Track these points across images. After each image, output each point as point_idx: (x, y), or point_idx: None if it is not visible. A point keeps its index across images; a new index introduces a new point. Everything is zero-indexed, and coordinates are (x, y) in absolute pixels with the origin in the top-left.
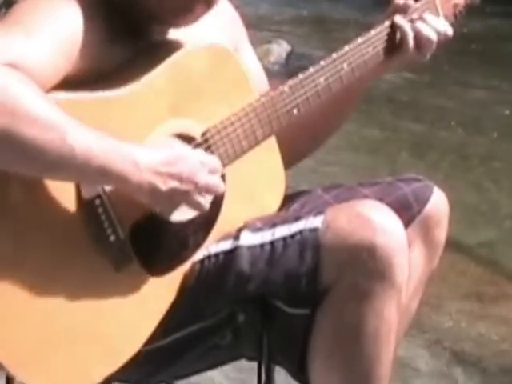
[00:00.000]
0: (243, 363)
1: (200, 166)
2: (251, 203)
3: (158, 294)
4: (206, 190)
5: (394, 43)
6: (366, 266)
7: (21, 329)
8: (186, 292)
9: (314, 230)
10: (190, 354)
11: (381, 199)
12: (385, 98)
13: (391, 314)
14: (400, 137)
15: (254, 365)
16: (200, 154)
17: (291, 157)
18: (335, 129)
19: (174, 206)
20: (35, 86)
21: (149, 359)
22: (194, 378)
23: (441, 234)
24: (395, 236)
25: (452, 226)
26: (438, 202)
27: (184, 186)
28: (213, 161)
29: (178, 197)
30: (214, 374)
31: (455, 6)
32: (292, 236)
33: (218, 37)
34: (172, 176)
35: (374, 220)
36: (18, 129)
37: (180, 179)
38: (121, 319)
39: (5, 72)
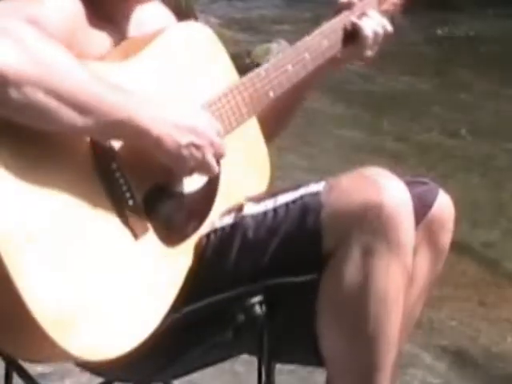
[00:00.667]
0: (243, 364)
1: (210, 125)
2: (244, 180)
3: (174, 264)
4: (217, 148)
5: (346, 38)
6: (371, 226)
7: (54, 289)
8: (194, 266)
9: (316, 194)
10: (191, 353)
11: None
12: (391, 102)
13: (397, 275)
14: (406, 140)
15: (254, 365)
16: (208, 115)
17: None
18: (294, 113)
19: (189, 163)
20: (56, 42)
21: (153, 353)
22: (194, 379)
23: (446, 237)
24: (402, 199)
25: (455, 227)
26: (444, 206)
27: (200, 141)
28: (217, 124)
29: (194, 152)
30: (214, 375)
31: (394, 4)
32: (294, 201)
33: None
34: (189, 129)
35: (380, 181)
36: (48, 76)
37: (196, 133)
38: (142, 289)
39: (27, 27)
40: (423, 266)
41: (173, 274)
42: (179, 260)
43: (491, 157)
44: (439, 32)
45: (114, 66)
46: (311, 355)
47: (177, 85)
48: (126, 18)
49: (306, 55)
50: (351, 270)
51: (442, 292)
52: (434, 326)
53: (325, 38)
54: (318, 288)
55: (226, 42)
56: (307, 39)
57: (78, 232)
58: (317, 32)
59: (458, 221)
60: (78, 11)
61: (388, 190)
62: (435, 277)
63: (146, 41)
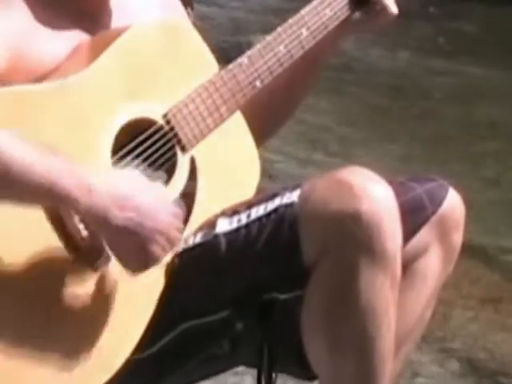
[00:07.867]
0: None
1: (173, 219)
2: (227, 187)
3: (143, 290)
4: (171, 245)
5: (354, 3)
6: (351, 236)
7: (10, 344)
8: (168, 288)
9: (291, 205)
10: (187, 365)
11: None
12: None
13: (384, 286)
14: (414, 135)
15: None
16: (172, 205)
17: (260, 135)
18: (299, 102)
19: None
20: None
21: (143, 370)
22: None
23: (457, 236)
24: (381, 200)
25: (466, 229)
26: (454, 203)
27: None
28: (176, 211)
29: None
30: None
31: None
32: (268, 215)
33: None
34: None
35: (355, 185)
36: None
37: (159, 232)
38: (109, 321)
39: None
40: (435, 266)
41: (143, 301)
42: (148, 286)
43: (507, 152)
44: None
45: (63, 82)
46: (302, 368)
47: (138, 94)
48: (101, 9)
49: (303, 31)
50: (334, 285)
51: (454, 299)
52: (447, 336)
53: (327, 7)
54: (302, 303)
55: (224, 31)
56: (303, 13)
57: (30, 275)
58: (315, 3)
59: (471, 222)
60: (19, 23)
61: (366, 194)
62: (446, 279)
63: (112, 38)
